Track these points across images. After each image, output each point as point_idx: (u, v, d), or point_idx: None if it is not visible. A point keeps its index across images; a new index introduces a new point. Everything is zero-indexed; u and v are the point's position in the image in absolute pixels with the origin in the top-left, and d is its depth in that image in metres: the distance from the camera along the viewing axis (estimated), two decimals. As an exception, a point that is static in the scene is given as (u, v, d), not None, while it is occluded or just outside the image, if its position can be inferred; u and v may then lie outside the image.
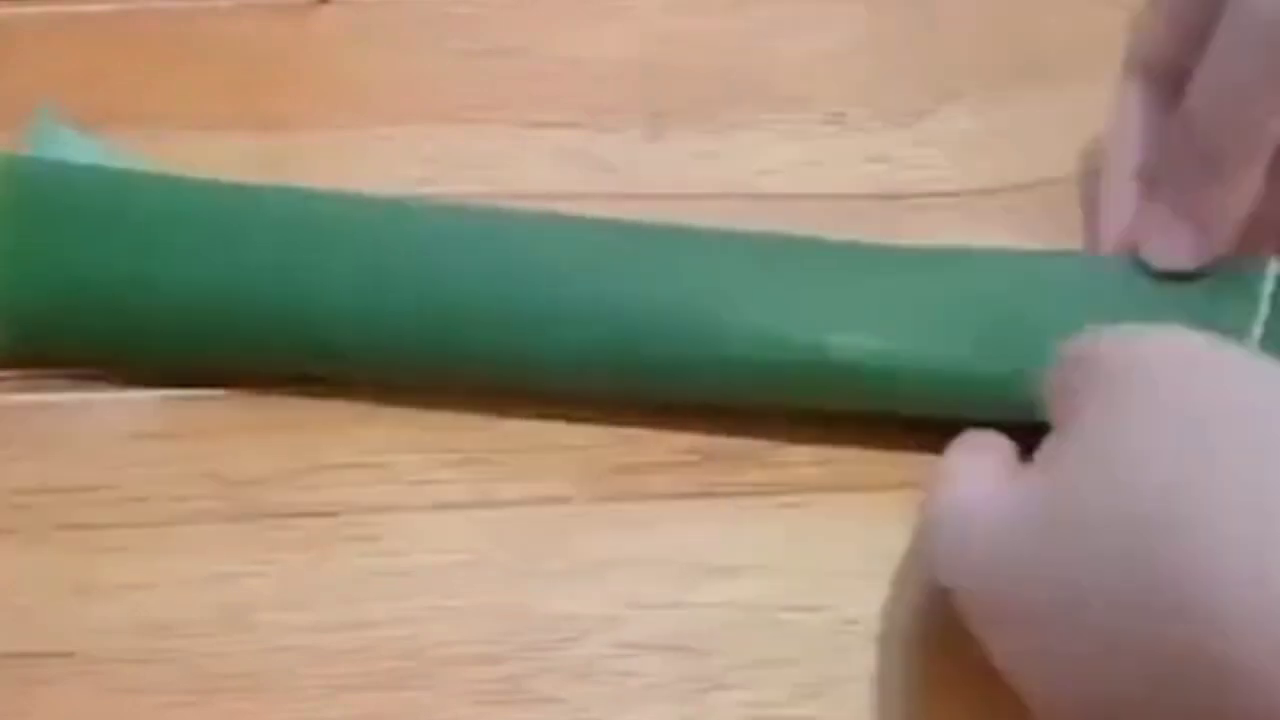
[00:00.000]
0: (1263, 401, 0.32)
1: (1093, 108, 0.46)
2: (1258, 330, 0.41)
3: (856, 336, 0.42)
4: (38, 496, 0.42)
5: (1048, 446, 0.36)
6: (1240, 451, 0.31)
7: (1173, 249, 0.42)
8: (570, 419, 0.43)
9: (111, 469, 0.43)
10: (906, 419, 0.42)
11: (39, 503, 0.42)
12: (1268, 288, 0.42)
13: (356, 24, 0.52)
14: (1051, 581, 0.33)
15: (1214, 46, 0.40)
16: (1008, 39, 0.46)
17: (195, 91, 0.50)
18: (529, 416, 0.44)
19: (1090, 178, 0.48)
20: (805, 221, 0.47)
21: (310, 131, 0.49)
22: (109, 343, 0.43)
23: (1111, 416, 0.34)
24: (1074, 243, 0.47)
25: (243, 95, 0.50)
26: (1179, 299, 0.42)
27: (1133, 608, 0.31)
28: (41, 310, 0.43)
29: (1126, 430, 0.33)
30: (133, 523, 0.42)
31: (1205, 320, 0.37)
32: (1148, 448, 0.32)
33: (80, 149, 0.46)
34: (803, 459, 0.43)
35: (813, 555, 0.41)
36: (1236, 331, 0.41)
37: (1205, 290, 0.42)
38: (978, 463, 0.38)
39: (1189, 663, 0.30)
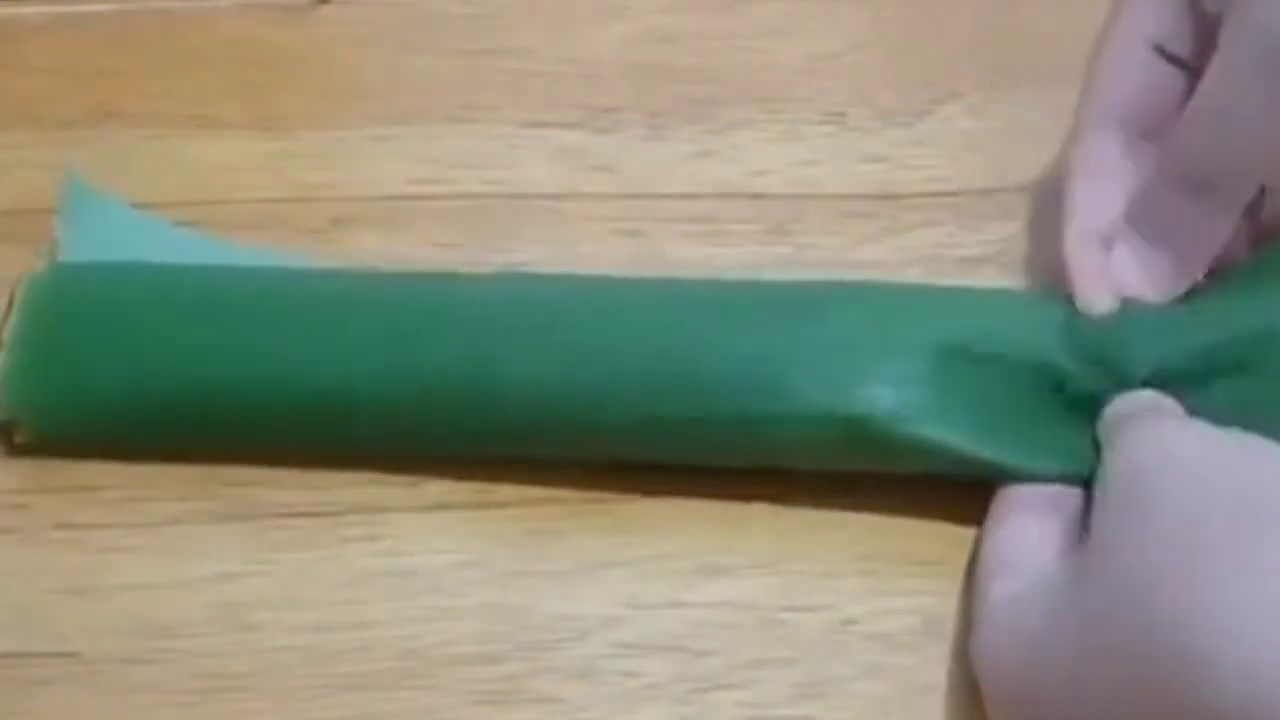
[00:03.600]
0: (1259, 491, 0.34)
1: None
2: None
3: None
4: (38, 496, 0.42)
5: (1094, 521, 0.37)
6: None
7: (1155, 281, 0.42)
8: (570, 419, 0.43)
9: (111, 469, 0.43)
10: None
11: (39, 503, 0.42)
12: None
13: (356, 24, 0.52)
14: (1080, 696, 0.34)
15: (1211, 75, 0.40)
16: (1007, 39, 0.46)
17: (195, 91, 0.50)
18: (529, 416, 0.43)
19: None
20: (805, 221, 0.47)
21: (310, 131, 0.49)
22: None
23: (1123, 524, 0.35)
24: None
25: (243, 95, 0.50)
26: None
27: None
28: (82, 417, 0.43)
29: (1137, 543, 0.34)
30: (133, 523, 0.42)
31: None
32: (1155, 565, 0.33)
33: (111, 216, 0.45)
34: (802, 459, 0.43)
35: (812, 555, 0.41)
36: None
37: None
38: (1036, 537, 0.39)
39: None
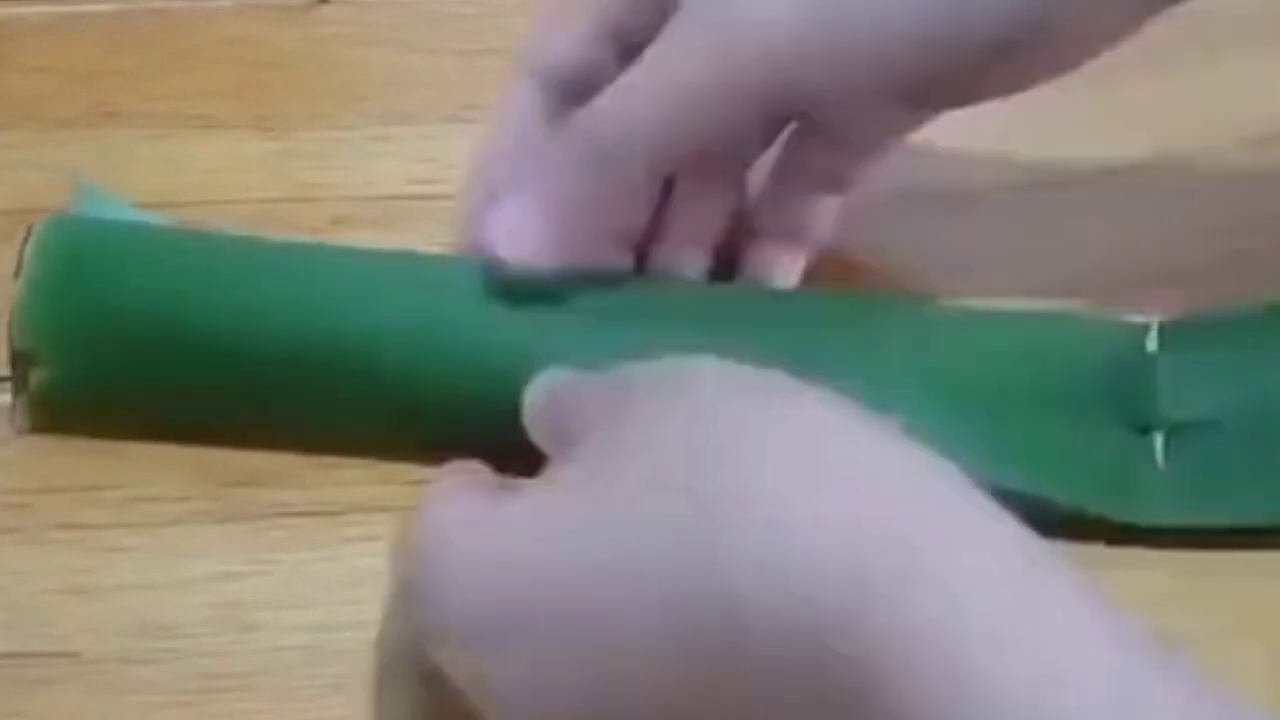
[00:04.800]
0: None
1: (1094, 109, 0.46)
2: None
3: None
4: (38, 496, 0.42)
5: (546, 474, 0.36)
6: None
7: (519, 242, 0.41)
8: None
9: (112, 469, 0.43)
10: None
11: (39, 503, 0.42)
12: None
13: (356, 24, 0.52)
14: (574, 596, 0.32)
15: (656, 50, 0.40)
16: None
17: (195, 91, 0.50)
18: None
19: (1091, 177, 0.48)
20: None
21: (310, 131, 0.49)
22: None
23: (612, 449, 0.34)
24: (1075, 240, 0.47)
25: (243, 95, 0.50)
26: None
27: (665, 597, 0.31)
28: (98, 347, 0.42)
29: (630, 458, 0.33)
30: (133, 523, 0.42)
31: None
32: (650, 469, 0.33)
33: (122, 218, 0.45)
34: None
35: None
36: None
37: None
38: (466, 488, 0.37)
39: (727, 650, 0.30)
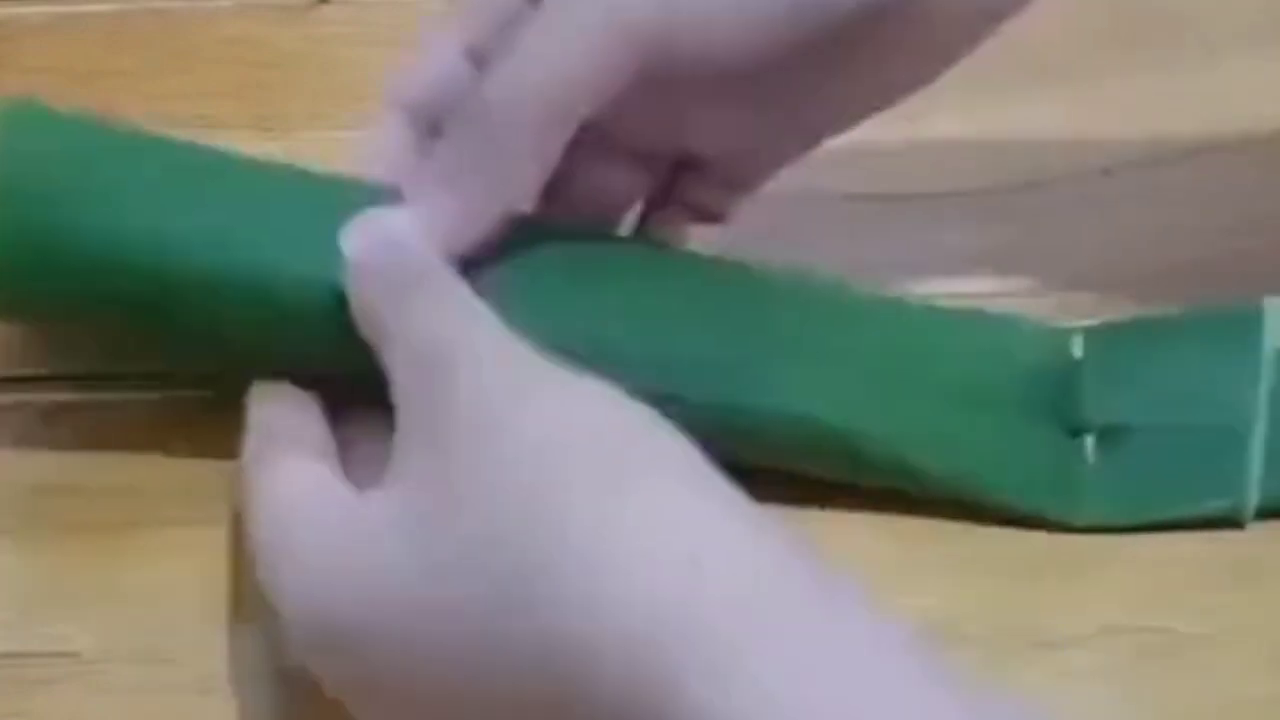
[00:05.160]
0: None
1: (1091, 107, 0.46)
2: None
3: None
4: (38, 496, 0.42)
5: (398, 454, 0.35)
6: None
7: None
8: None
9: (112, 469, 0.43)
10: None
11: (39, 503, 0.42)
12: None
13: (356, 24, 0.52)
14: (418, 597, 0.33)
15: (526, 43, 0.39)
16: (1004, 39, 0.45)
17: (195, 91, 0.50)
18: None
19: (1091, 177, 0.48)
20: (804, 221, 0.47)
21: (310, 131, 0.49)
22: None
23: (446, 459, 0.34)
24: (1075, 241, 0.47)
25: (243, 95, 0.50)
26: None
27: (505, 603, 0.32)
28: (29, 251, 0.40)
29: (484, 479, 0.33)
30: (133, 522, 0.42)
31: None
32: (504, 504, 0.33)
33: None
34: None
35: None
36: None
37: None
38: (298, 479, 0.37)
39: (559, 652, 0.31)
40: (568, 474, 0.32)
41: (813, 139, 0.43)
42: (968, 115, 0.44)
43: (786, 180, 0.48)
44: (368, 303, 0.38)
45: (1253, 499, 0.42)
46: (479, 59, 0.42)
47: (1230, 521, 0.41)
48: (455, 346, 0.35)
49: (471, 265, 0.39)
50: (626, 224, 0.44)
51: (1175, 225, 0.48)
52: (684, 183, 0.44)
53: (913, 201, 0.48)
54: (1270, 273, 0.46)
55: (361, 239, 0.39)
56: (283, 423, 0.39)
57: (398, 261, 0.38)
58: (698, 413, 0.38)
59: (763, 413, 0.41)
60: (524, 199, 0.41)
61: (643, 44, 0.39)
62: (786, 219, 0.47)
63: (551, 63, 0.39)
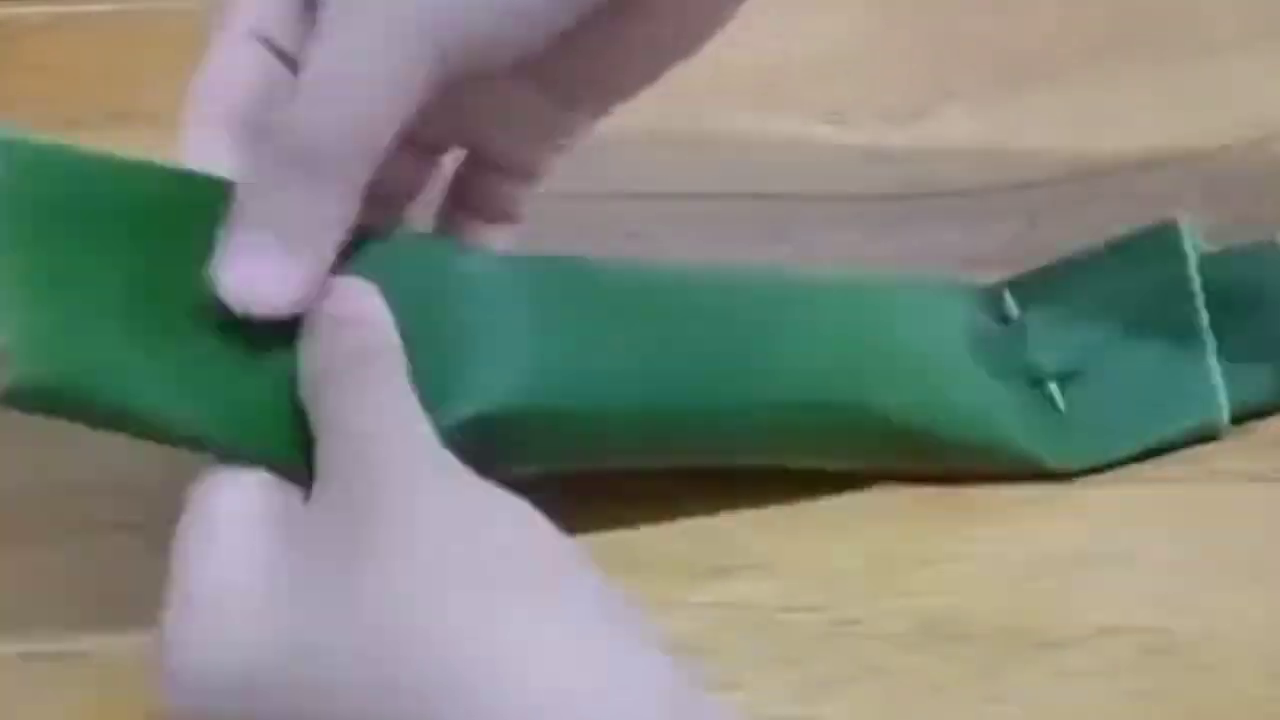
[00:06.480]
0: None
1: (1093, 107, 0.46)
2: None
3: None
4: (40, 496, 0.42)
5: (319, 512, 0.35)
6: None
7: (264, 283, 0.38)
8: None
9: (112, 469, 0.43)
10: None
11: (42, 503, 0.42)
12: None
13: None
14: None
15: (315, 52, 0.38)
16: (1006, 39, 0.46)
17: (196, 91, 0.50)
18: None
19: (1090, 177, 0.48)
20: (805, 221, 0.47)
21: (311, 131, 0.49)
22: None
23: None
24: (1075, 241, 0.47)
25: (243, 95, 0.50)
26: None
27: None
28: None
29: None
30: (133, 523, 0.42)
31: None
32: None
33: None
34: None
35: (812, 555, 0.41)
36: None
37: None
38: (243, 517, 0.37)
39: None
40: (447, 597, 0.32)
41: (588, 120, 0.43)
42: (969, 115, 0.44)
43: (786, 181, 0.48)
44: (313, 371, 0.37)
45: (1224, 408, 0.42)
46: (274, 42, 0.41)
47: (1209, 438, 0.42)
48: (377, 443, 0.35)
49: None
50: (416, 220, 0.43)
51: (1175, 225, 0.48)
52: (470, 183, 0.43)
53: (913, 201, 0.48)
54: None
55: (332, 305, 0.38)
56: None
57: (354, 337, 0.37)
58: (693, 419, 0.38)
59: (757, 409, 0.41)
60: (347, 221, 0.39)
61: (443, 50, 0.38)
62: (786, 219, 0.47)
63: (362, 92, 0.38)
